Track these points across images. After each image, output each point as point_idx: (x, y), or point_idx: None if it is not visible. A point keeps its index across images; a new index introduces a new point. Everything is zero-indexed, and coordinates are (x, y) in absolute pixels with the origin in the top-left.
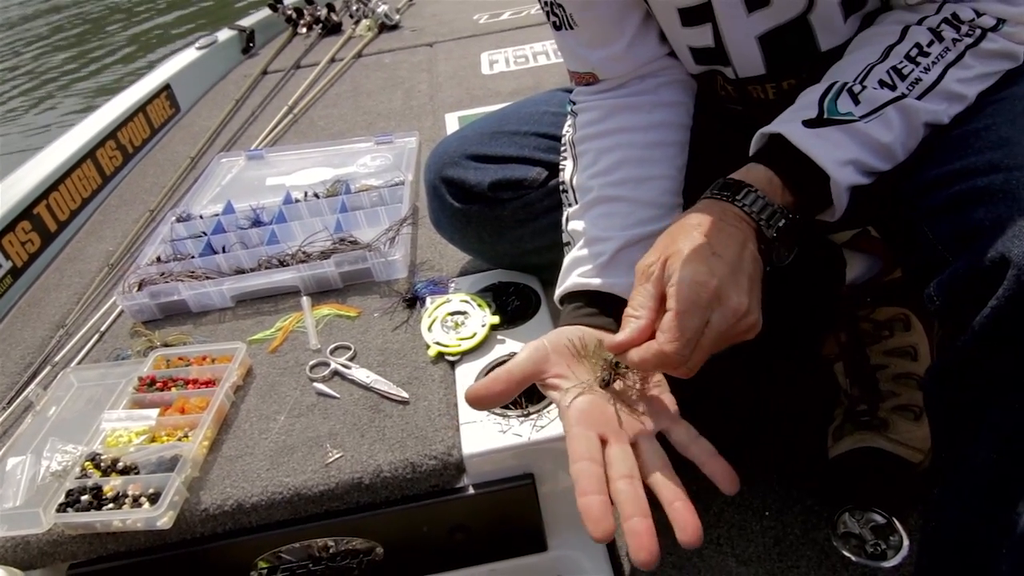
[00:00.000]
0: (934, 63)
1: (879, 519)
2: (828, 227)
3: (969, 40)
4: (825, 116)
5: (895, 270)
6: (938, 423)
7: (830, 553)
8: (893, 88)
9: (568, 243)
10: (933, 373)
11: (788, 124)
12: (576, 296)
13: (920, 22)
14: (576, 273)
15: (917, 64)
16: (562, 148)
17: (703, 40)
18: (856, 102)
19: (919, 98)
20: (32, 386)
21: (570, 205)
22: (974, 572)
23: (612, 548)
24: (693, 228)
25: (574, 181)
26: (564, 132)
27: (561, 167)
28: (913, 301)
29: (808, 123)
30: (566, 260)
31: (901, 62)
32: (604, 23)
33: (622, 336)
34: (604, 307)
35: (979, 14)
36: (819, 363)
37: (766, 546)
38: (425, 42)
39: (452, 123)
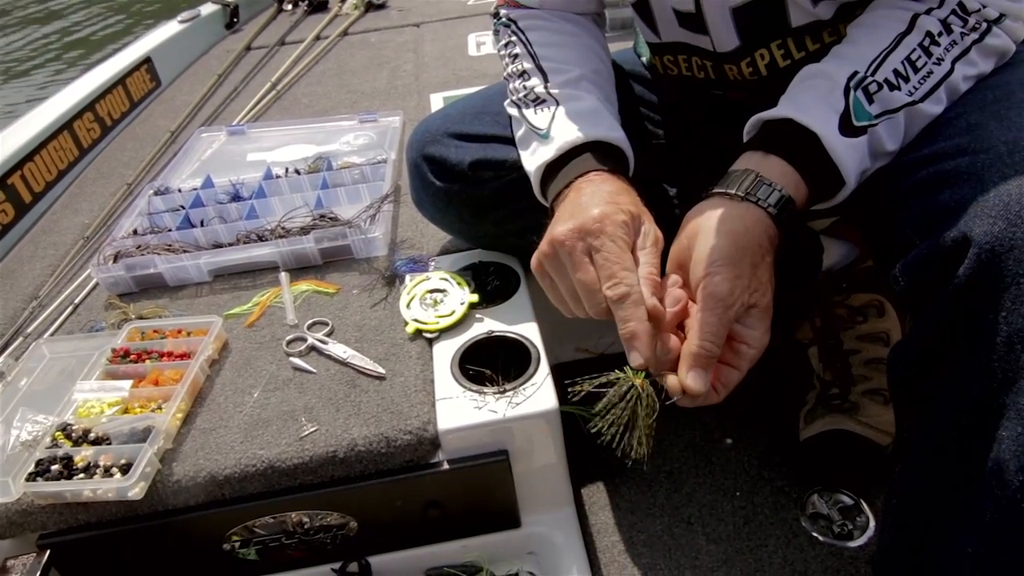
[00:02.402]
0: (945, 54)
1: (847, 500)
2: (807, 215)
3: (975, 35)
4: (856, 123)
5: (871, 257)
6: (901, 401)
7: (798, 533)
8: (907, 80)
9: (540, 102)
10: (897, 352)
11: (825, 125)
12: (590, 147)
13: (928, 12)
14: (608, 127)
15: (930, 55)
16: (514, 60)
17: (685, 5)
18: (870, 100)
19: (926, 97)
20: (3, 357)
21: (548, 91)
22: (933, 548)
23: (585, 526)
24: (764, 251)
25: (543, 65)
26: (509, 47)
27: (520, 75)
28: (887, 288)
29: (843, 127)
30: (568, 110)
31: (915, 51)
32: None
33: (703, 382)
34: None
35: (983, 5)
36: (794, 347)
37: (736, 525)
38: (412, 22)
39: (437, 103)
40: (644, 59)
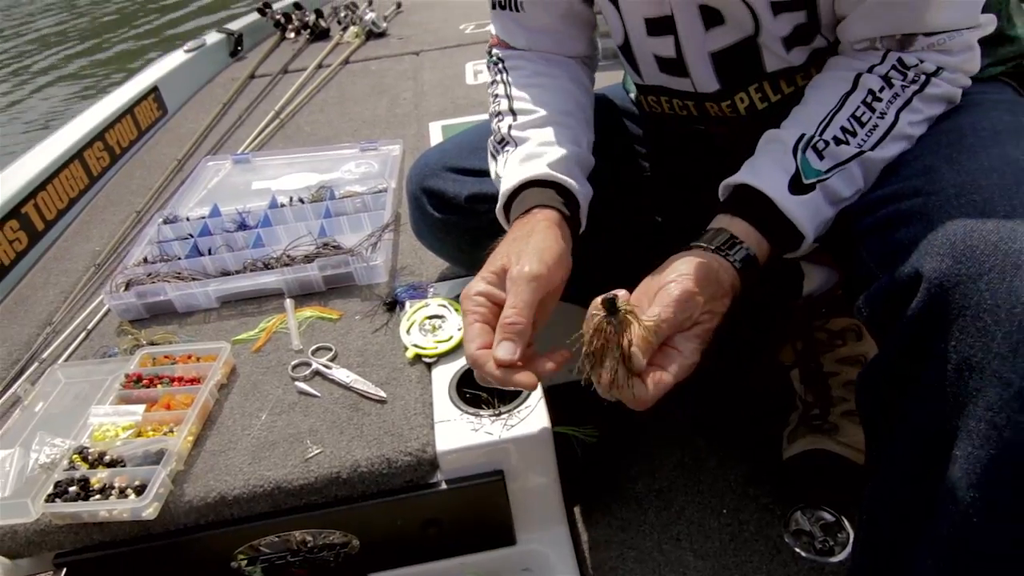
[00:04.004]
0: (888, 107)
1: (828, 517)
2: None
3: (916, 87)
4: (804, 180)
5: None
6: (867, 423)
7: (782, 549)
8: (854, 135)
9: (504, 145)
10: (863, 376)
11: (776, 187)
12: (540, 183)
13: (870, 70)
14: (544, 164)
15: (873, 110)
16: (495, 100)
17: (666, 51)
18: (820, 157)
19: (876, 145)
20: (20, 382)
21: (509, 133)
22: (899, 564)
23: (577, 543)
24: (727, 295)
25: (514, 106)
26: (493, 86)
27: (496, 115)
28: None
29: (792, 186)
30: (517, 154)
31: (859, 108)
32: (552, 18)
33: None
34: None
35: (921, 60)
36: (777, 369)
37: (722, 542)
38: (411, 50)
39: (436, 132)
40: (632, 95)
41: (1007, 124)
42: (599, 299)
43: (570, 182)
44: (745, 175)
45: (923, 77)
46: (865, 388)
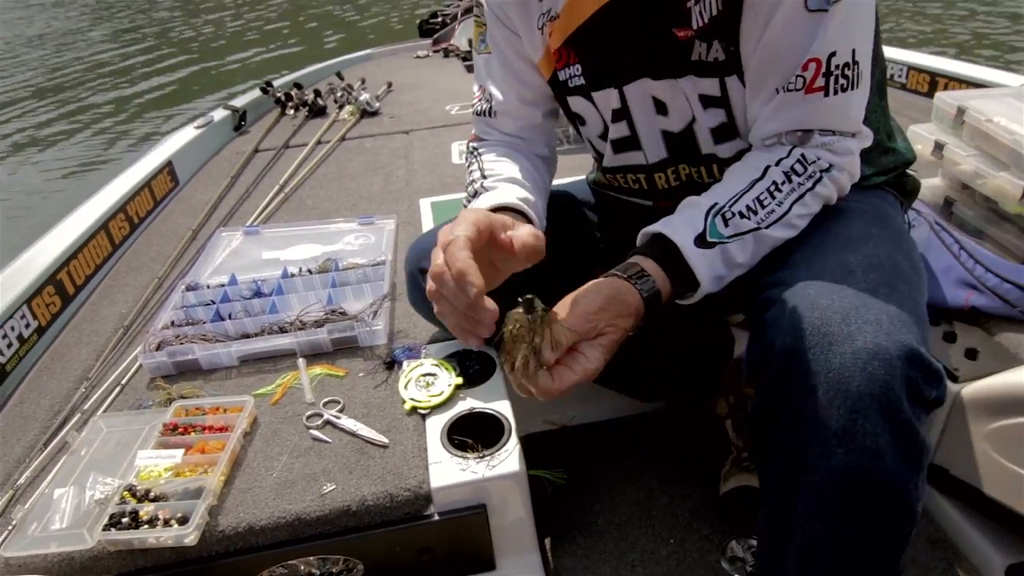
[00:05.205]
0: (786, 198)
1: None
2: (721, 311)
3: (810, 184)
4: (708, 238)
5: None
6: (757, 461)
7: (719, 572)
8: (756, 213)
9: (476, 195)
10: (748, 424)
11: (684, 239)
12: (509, 209)
13: (778, 163)
14: (515, 197)
15: (774, 198)
16: (470, 173)
17: (622, 132)
18: (726, 225)
19: (770, 226)
20: (66, 430)
21: (481, 186)
22: (779, 569)
23: (547, 569)
24: (631, 316)
25: (485, 171)
26: (470, 166)
27: (471, 182)
28: None
29: (697, 241)
30: (488, 194)
31: (762, 194)
32: (518, 126)
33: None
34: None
35: (818, 157)
36: (714, 419)
37: (670, 567)
38: (402, 129)
39: (426, 207)
40: (593, 176)
41: (858, 233)
42: (520, 298)
43: (533, 216)
44: (660, 226)
45: (818, 173)
46: (749, 431)
